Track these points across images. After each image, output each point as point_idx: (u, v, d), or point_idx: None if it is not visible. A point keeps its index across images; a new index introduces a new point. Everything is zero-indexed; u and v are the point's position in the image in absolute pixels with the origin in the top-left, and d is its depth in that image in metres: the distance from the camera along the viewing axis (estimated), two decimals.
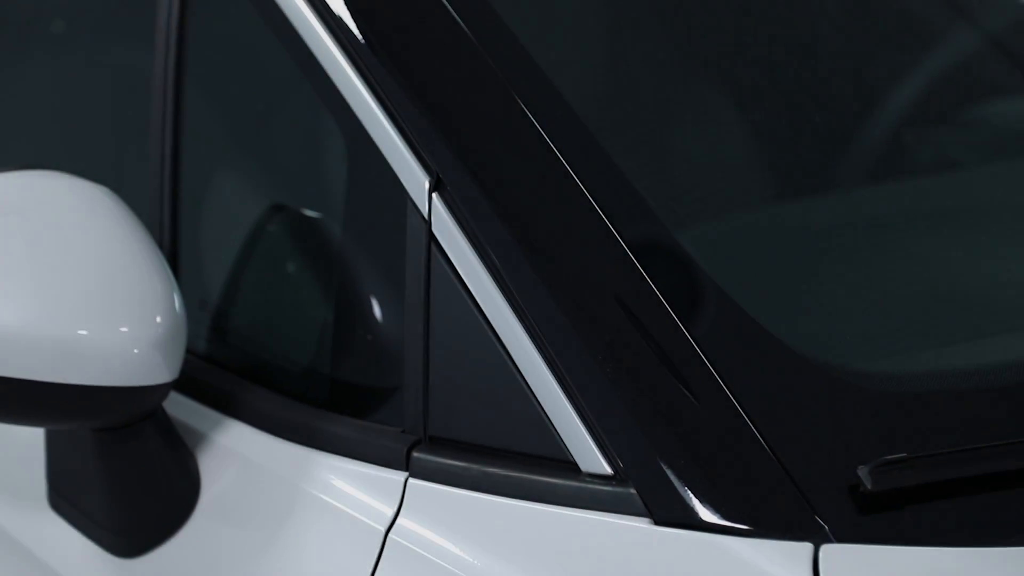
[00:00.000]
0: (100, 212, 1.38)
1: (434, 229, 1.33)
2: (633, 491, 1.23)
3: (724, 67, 1.77)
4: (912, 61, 1.86)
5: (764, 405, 1.24)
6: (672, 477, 1.22)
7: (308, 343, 1.50)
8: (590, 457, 1.25)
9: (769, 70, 1.78)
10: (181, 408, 1.50)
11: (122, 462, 1.45)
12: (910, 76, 1.83)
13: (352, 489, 1.36)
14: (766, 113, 1.75)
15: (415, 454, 1.33)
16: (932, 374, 1.38)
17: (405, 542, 1.30)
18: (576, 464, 1.26)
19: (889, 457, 1.20)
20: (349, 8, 1.42)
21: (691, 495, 1.21)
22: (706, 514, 1.20)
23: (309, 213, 1.54)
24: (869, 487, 1.18)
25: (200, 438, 1.48)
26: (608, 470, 1.24)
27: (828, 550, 1.17)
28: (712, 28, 1.80)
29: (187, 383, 1.48)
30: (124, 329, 1.34)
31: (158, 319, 1.36)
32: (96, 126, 1.87)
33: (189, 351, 1.45)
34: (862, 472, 1.19)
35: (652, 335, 1.27)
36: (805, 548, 1.18)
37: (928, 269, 1.56)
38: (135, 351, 1.35)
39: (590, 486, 1.24)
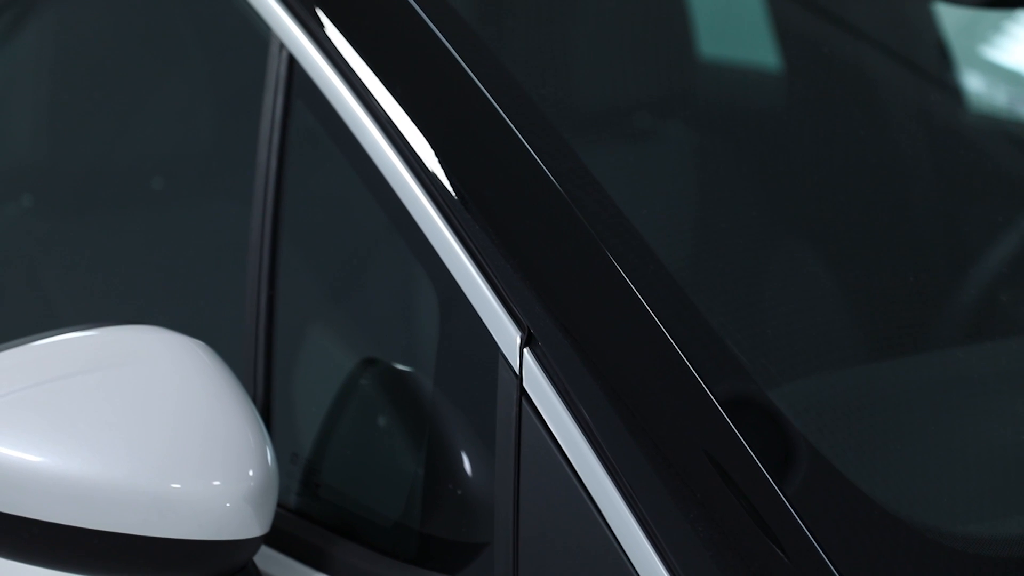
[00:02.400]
0: (195, 366, 1.39)
1: (525, 384, 1.33)
2: None
3: (818, 224, 1.76)
4: (1007, 220, 1.85)
5: (857, 566, 1.22)
6: None
7: (398, 498, 1.50)
8: None
9: (863, 228, 1.77)
10: (272, 563, 1.49)
11: None
12: (1006, 235, 1.83)
13: None
14: (860, 270, 1.74)
15: None
16: None
17: None
18: None
19: None
20: (442, 164, 1.43)
21: None
22: None
23: (401, 367, 1.54)
24: None
25: None
26: None
27: None
28: (805, 185, 1.80)
29: (278, 537, 1.48)
30: (216, 483, 1.35)
31: (250, 473, 1.36)
32: (193, 280, 1.89)
33: (280, 505, 1.45)
34: None
35: (744, 493, 1.26)
36: None
37: None
38: (227, 505, 1.35)
39: None
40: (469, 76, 1.49)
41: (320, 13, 1.53)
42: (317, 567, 1.48)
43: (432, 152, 1.44)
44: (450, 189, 1.42)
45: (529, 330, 1.34)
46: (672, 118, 1.99)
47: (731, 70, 2.20)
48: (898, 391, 1.59)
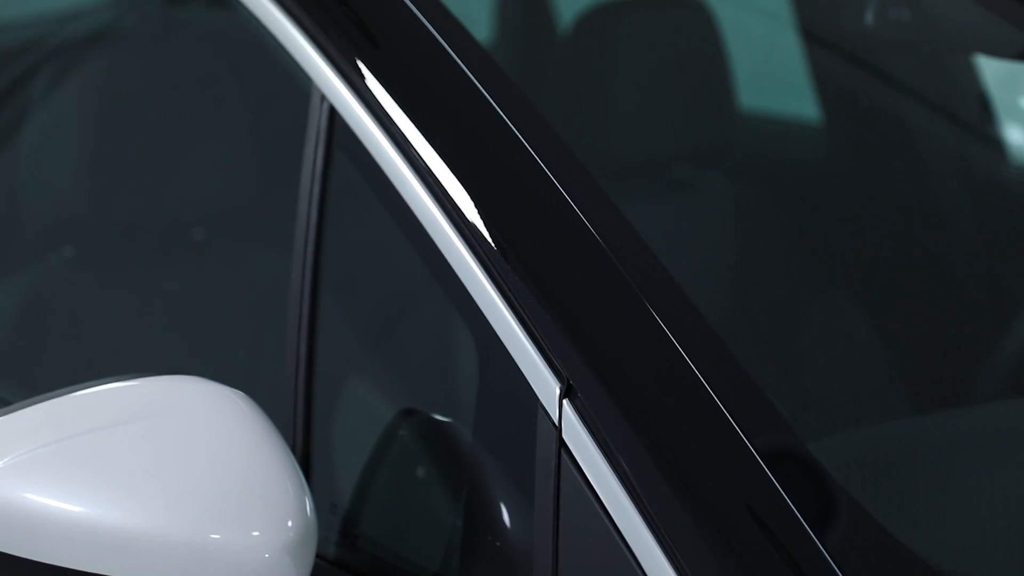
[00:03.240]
0: (235, 417, 1.39)
1: (564, 436, 1.33)
2: None
3: (858, 276, 1.76)
4: None
5: None
6: None
7: (437, 548, 1.49)
8: None
9: (904, 280, 1.77)
10: None
11: None
12: None
13: None
14: (900, 322, 1.73)
15: None
16: None
17: None
18: None
19: None
20: (482, 215, 1.43)
21: None
22: None
23: (439, 418, 1.54)
24: None
25: None
26: None
27: None
28: (845, 236, 1.80)
29: None
30: (256, 533, 1.35)
31: (289, 523, 1.36)
32: (233, 330, 1.89)
33: (319, 555, 1.45)
34: None
35: (784, 546, 1.25)
36: None
37: None
38: (266, 555, 1.35)
39: None
40: (509, 127, 1.50)
41: (361, 65, 1.54)
42: None
43: (471, 203, 1.44)
44: (489, 240, 1.42)
45: (568, 381, 1.34)
46: (711, 169, 2.00)
47: (770, 121, 2.20)
48: (940, 444, 1.58)
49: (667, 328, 1.37)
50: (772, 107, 2.20)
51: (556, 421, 1.33)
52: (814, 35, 2.22)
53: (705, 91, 2.08)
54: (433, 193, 1.46)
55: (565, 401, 1.33)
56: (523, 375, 1.37)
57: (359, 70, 1.54)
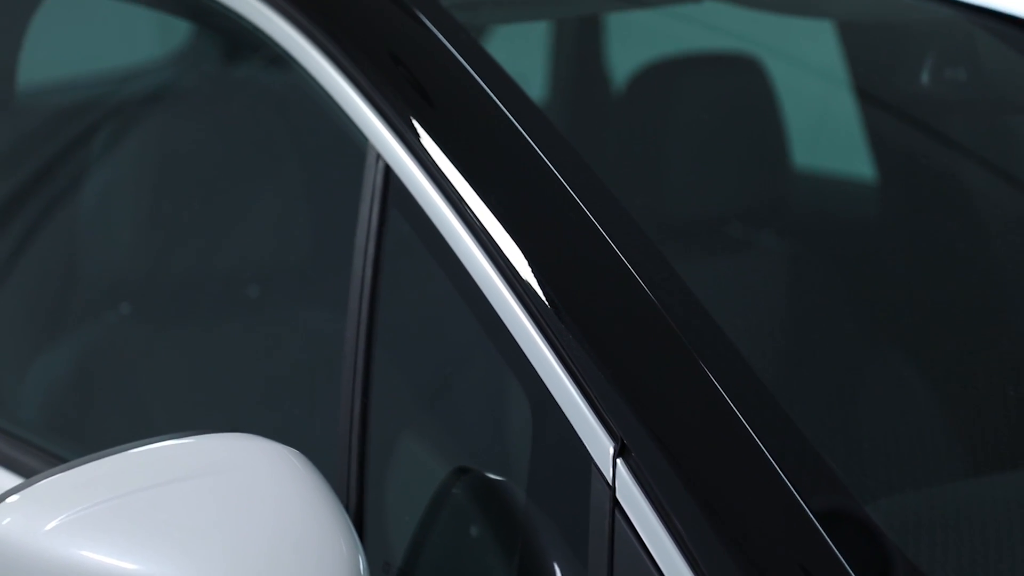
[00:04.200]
0: (289, 475, 1.39)
1: (618, 495, 1.33)
2: None
3: (914, 336, 1.75)
4: None
5: None
6: None
7: None
8: None
9: (960, 340, 1.76)
10: None
11: None
12: None
13: None
14: (957, 383, 1.72)
15: None
16: None
17: None
18: None
19: None
20: (535, 273, 1.44)
21: None
22: None
23: (493, 476, 1.54)
24: None
25: None
26: None
27: None
28: (901, 296, 1.79)
29: None
30: None
31: None
32: (288, 388, 1.90)
33: None
34: None
35: None
36: None
37: None
38: None
39: None
40: (563, 186, 1.50)
41: (416, 124, 1.55)
42: None
43: (525, 261, 1.44)
44: (543, 298, 1.42)
45: (622, 440, 1.34)
46: (766, 228, 1.99)
47: (825, 180, 2.20)
48: (998, 506, 1.57)
49: (721, 388, 1.36)
50: (827, 166, 2.20)
51: (610, 480, 1.33)
52: (869, 94, 2.22)
53: (759, 150, 2.08)
54: (487, 251, 1.46)
55: (619, 460, 1.33)
56: (576, 434, 1.36)
57: (414, 129, 1.55)
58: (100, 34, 2.29)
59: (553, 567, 1.41)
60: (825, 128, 2.25)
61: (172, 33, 2.20)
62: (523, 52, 2.24)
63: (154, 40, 2.22)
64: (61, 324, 2.11)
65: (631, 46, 2.27)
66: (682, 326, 1.41)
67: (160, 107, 2.15)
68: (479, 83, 1.57)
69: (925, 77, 2.12)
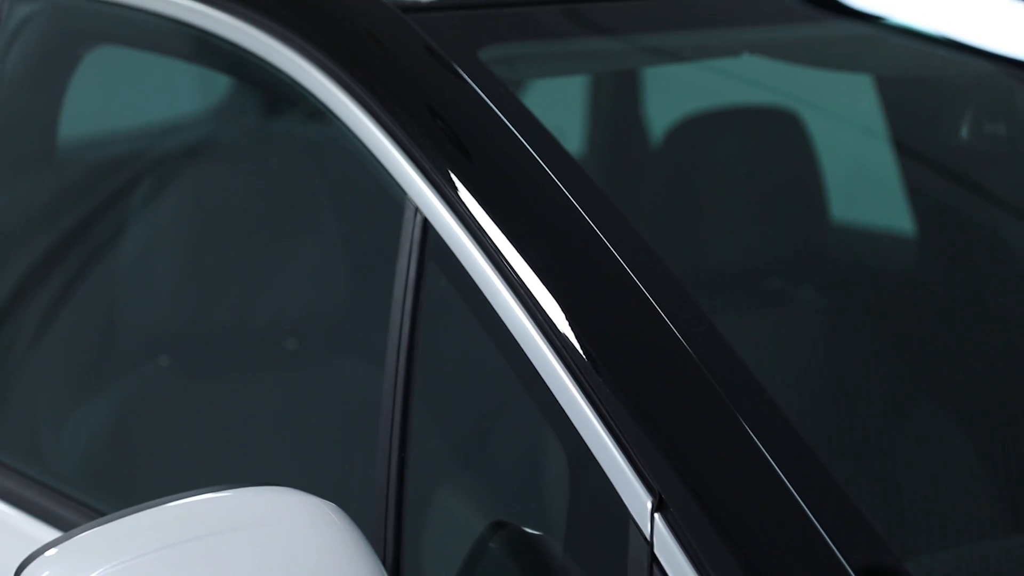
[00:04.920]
0: (327, 529, 1.39)
1: (656, 550, 1.32)
2: None
3: (954, 391, 1.74)
4: None
5: None
6: None
7: None
8: None
9: (1000, 395, 1.75)
10: None
11: None
12: None
13: None
14: (997, 438, 1.71)
15: None
16: None
17: None
18: None
19: None
20: (573, 327, 1.43)
21: None
22: None
23: (530, 531, 1.54)
24: None
25: None
26: None
27: None
28: (941, 351, 1.78)
29: None
30: None
31: None
32: (325, 442, 1.90)
33: None
34: None
35: None
36: None
37: None
38: None
39: None
40: (601, 239, 1.50)
41: (454, 177, 1.55)
42: None
43: (563, 315, 1.44)
44: (581, 352, 1.42)
45: (660, 495, 1.33)
46: (804, 282, 1.99)
47: (864, 234, 2.19)
48: None
49: (760, 443, 1.36)
50: (865, 220, 2.20)
51: (648, 536, 1.32)
52: (908, 148, 2.22)
53: (797, 203, 2.08)
54: (525, 305, 1.46)
55: (657, 515, 1.33)
56: (614, 488, 1.36)
57: (452, 182, 1.55)
58: (140, 88, 2.30)
59: None
60: (863, 182, 2.24)
61: (212, 87, 2.21)
62: (561, 106, 2.24)
63: (194, 94, 2.24)
64: (100, 377, 2.11)
65: (668, 100, 2.27)
66: (720, 380, 1.40)
67: (199, 160, 2.16)
68: (517, 137, 1.58)
69: (964, 131, 2.11)
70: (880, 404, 1.72)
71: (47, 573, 1.36)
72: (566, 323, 1.44)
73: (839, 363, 1.77)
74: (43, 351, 2.09)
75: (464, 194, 1.54)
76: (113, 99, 2.32)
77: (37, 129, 2.13)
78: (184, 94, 2.25)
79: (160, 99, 2.28)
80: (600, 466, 1.37)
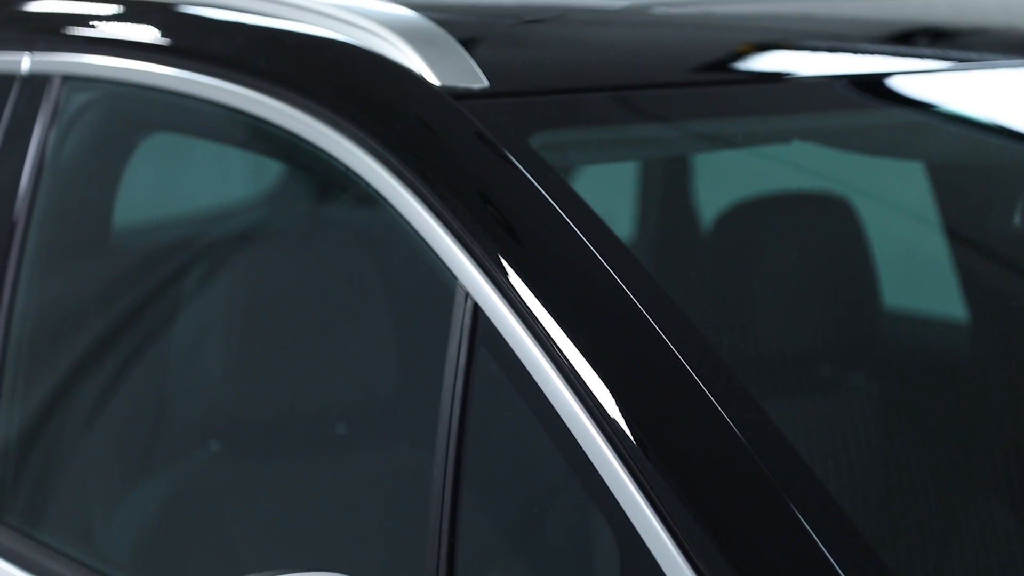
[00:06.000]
0: None
1: None
2: None
3: (1007, 478, 1.73)
4: None
5: None
6: None
7: None
8: None
9: None
10: None
11: None
12: None
13: None
14: None
15: None
16: None
17: None
18: None
19: None
20: (623, 413, 1.43)
21: None
22: None
23: None
24: None
25: None
26: None
27: None
28: (993, 438, 1.77)
29: None
30: None
31: None
32: (375, 526, 1.89)
33: None
34: None
35: None
36: None
37: None
38: None
39: None
40: (651, 324, 1.50)
41: (505, 263, 1.56)
42: None
43: (613, 401, 1.44)
44: (631, 438, 1.41)
45: None
46: (856, 368, 1.98)
47: (916, 320, 2.18)
48: None
49: (812, 530, 1.35)
50: (917, 306, 2.19)
51: None
52: (960, 235, 2.21)
53: (849, 289, 2.07)
54: (575, 390, 1.46)
55: None
56: (664, 574, 1.35)
57: (503, 268, 1.55)
58: (194, 174, 2.32)
59: None
60: (915, 268, 2.24)
61: (264, 173, 2.22)
62: (611, 191, 2.25)
63: (247, 180, 2.25)
64: (151, 461, 2.12)
65: (719, 185, 2.28)
66: (771, 467, 1.40)
67: (251, 245, 2.17)
68: (567, 222, 1.58)
69: (1017, 218, 2.11)
70: (933, 492, 1.70)
71: None
72: (616, 408, 1.44)
73: (891, 450, 1.75)
74: (95, 435, 2.10)
75: (515, 279, 1.54)
76: (167, 185, 2.34)
77: (93, 215, 2.15)
78: (237, 180, 2.26)
79: (213, 185, 2.30)
80: (651, 553, 1.37)
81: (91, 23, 2.10)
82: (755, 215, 2.11)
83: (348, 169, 1.71)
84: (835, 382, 1.93)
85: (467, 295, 1.57)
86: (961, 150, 2.19)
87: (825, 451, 1.65)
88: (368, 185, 1.69)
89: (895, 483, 1.71)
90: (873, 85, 1.94)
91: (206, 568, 1.96)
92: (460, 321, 1.58)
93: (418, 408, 1.77)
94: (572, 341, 1.48)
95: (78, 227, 2.16)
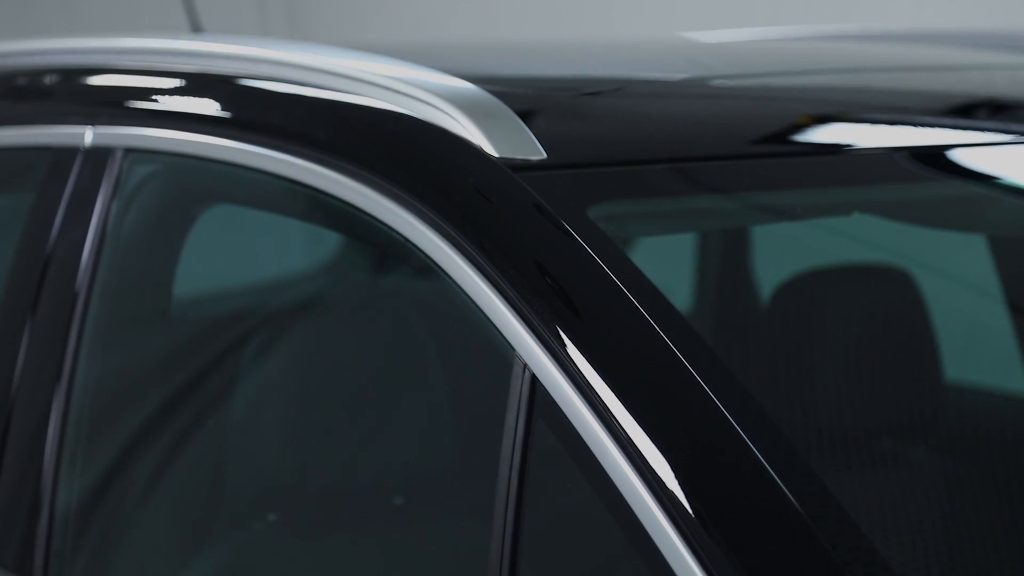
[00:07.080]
0: None
1: None
2: None
3: None
4: None
5: None
6: None
7: None
8: None
9: None
10: None
11: None
12: None
13: None
14: None
15: None
16: None
17: None
18: None
19: None
20: (682, 486, 1.42)
21: None
22: None
23: None
24: None
25: None
26: None
27: None
28: None
29: None
30: None
31: None
32: None
33: None
34: None
35: None
36: None
37: None
38: None
39: None
40: (711, 398, 1.49)
41: (563, 334, 1.55)
42: None
43: (673, 474, 1.43)
44: (690, 511, 1.40)
45: None
46: (918, 442, 1.96)
47: (978, 394, 2.17)
48: None
49: None
50: (980, 380, 2.17)
51: None
52: (1022, 308, 2.20)
53: (910, 362, 2.05)
54: (634, 464, 1.46)
55: None
56: None
57: (561, 340, 1.55)
58: (254, 246, 2.34)
59: None
60: (978, 342, 2.22)
61: (323, 244, 2.23)
62: (669, 263, 2.25)
63: (305, 250, 2.26)
64: (208, 533, 2.12)
65: (778, 258, 2.27)
66: (833, 542, 1.38)
67: (310, 316, 2.18)
68: (625, 294, 1.58)
69: None
70: (997, 570, 1.68)
71: None
72: (675, 481, 1.43)
73: (954, 526, 1.73)
74: (154, 505, 2.11)
75: (573, 351, 1.54)
76: (227, 256, 2.35)
77: (153, 286, 2.17)
78: (296, 251, 2.28)
79: (273, 256, 2.31)
80: None
81: (152, 97, 2.12)
82: (815, 287, 2.10)
83: (407, 240, 1.71)
84: (896, 456, 1.91)
85: (525, 366, 1.57)
86: (1022, 223, 2.18)
87: (887, 526, 1.63)
88: (426, 256, 1.69)
89: (957, 560, 1.69)
90: (934, 157, 1.93)
91: None
92: (518, 393, 1.58)
93: (476, 480, 1.77)
94: (630, 413, 1.48)
95: (139, 298, 2.17)
